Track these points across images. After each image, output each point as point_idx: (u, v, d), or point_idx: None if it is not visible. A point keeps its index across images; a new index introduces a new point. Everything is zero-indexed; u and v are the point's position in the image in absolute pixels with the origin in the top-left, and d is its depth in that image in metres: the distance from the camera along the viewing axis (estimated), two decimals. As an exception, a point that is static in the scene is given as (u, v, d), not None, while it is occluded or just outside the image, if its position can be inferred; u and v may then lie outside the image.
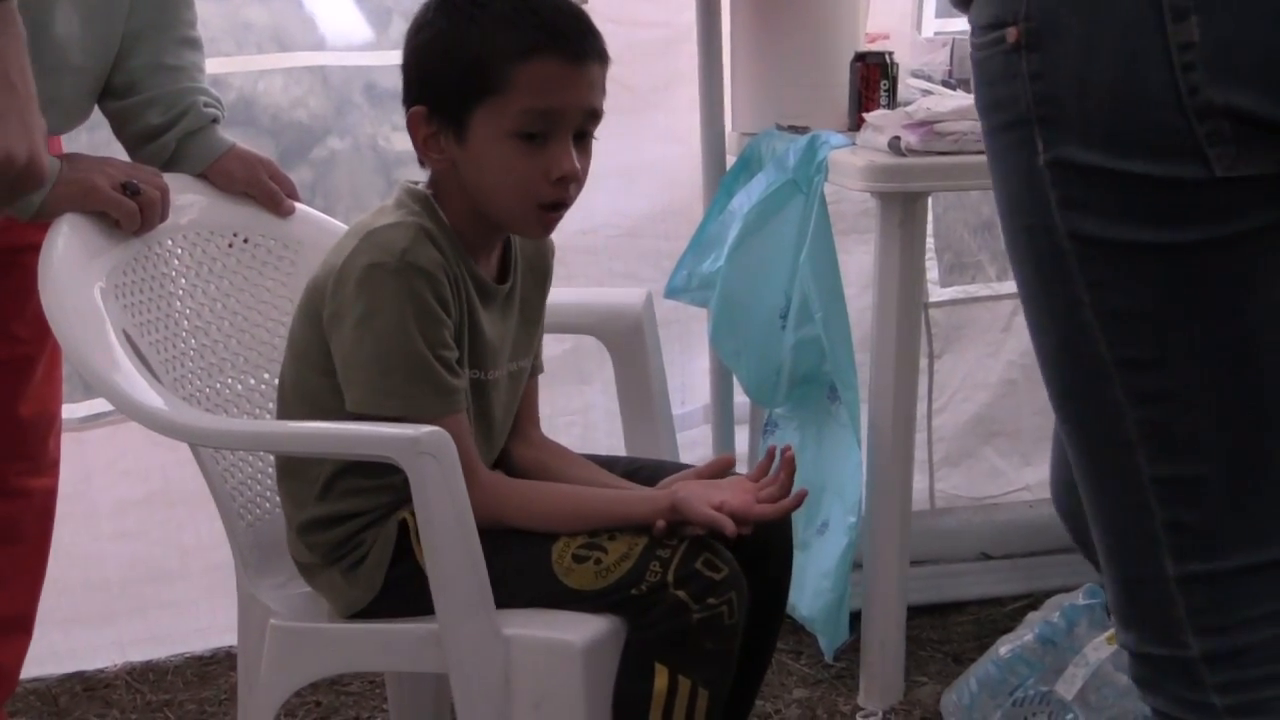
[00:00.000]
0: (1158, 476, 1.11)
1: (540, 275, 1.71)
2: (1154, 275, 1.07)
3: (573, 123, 1.54)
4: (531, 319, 1.71)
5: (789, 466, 1.60)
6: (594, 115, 1.56)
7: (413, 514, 1.53)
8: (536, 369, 1.76)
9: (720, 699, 1.54)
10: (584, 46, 1.54)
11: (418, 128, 1.57)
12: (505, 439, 1.72)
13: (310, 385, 1.59)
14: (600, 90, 1.56)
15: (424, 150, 1.58)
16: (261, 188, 1.84)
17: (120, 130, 1.82)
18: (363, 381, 1.53)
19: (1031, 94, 1.07)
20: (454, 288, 1.55)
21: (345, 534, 1.59)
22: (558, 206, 1.57)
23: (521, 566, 1.53)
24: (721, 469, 1.65)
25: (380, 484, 1.56)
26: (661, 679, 1.50)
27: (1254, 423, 1.09)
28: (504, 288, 1.64)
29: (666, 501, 1.54)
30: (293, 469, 1.63)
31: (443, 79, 1.54)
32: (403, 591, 1.56)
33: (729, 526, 1.51)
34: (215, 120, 1.81)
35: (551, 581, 1.53)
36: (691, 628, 1.50)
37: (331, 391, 1.56)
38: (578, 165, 1.55)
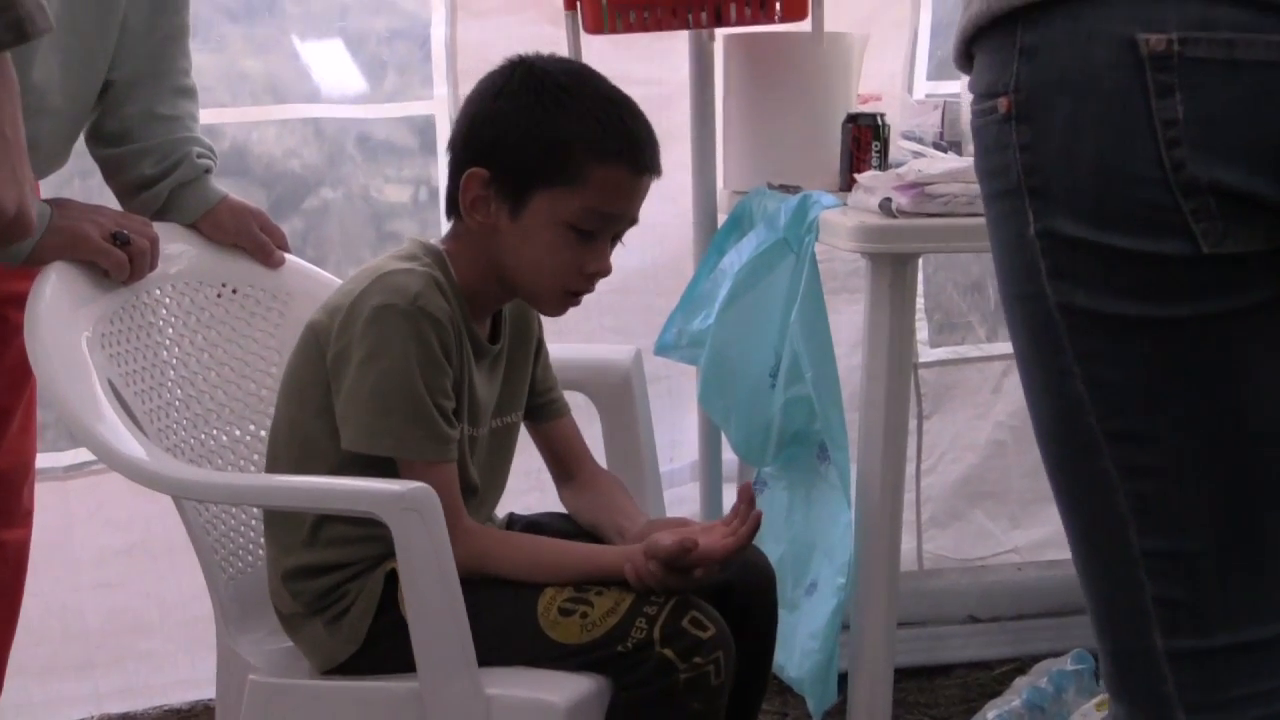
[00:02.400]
0: (1148, 550, 1.10)
1: (524, 328, 1.73)
2: (1142, 350, 1.06)
3: (619, 228, 1.61)
4: (517, 375, 1.71)
5: (745, 496, 1.59)
6: (634, 223, 1.62)
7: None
8: (560, 410, 1.78)
9: None
10: (653, 160, 1.61)
11: (472, 188, 1.58)
12: (498, 494, 1.72)
13: (304, 428, 1.59)
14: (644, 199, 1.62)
15: (469, 209, 1.59)
16: (252, 239, 1.84)
17: (111, 177, 1.82)
18: (359, 419, 1.53)
19: (1021, 165, 1.07)
20: (457, 341, 1.56)
21: (330, 584, 1.58)
22: (581, 294, 1.63)
23: (507, 621, 1.52)
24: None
25: (368, 534, 1.55)
26: None
27: (1245, 500, 1.09)
28: (495, 348, 1.66)
29: (638, 548, 1.54)
30: (279, 514, 1.62)
31: (517, 154, 1.56)
32: (385, 646, 1.54)
33: (696, 550, 1.50)
34: (208, 171, 1.81)
35: (537, 636, 1.52)
36: (678, 688, 1.48)
37: (326, 434, 1.56)
38: (611, 265, 1.61)
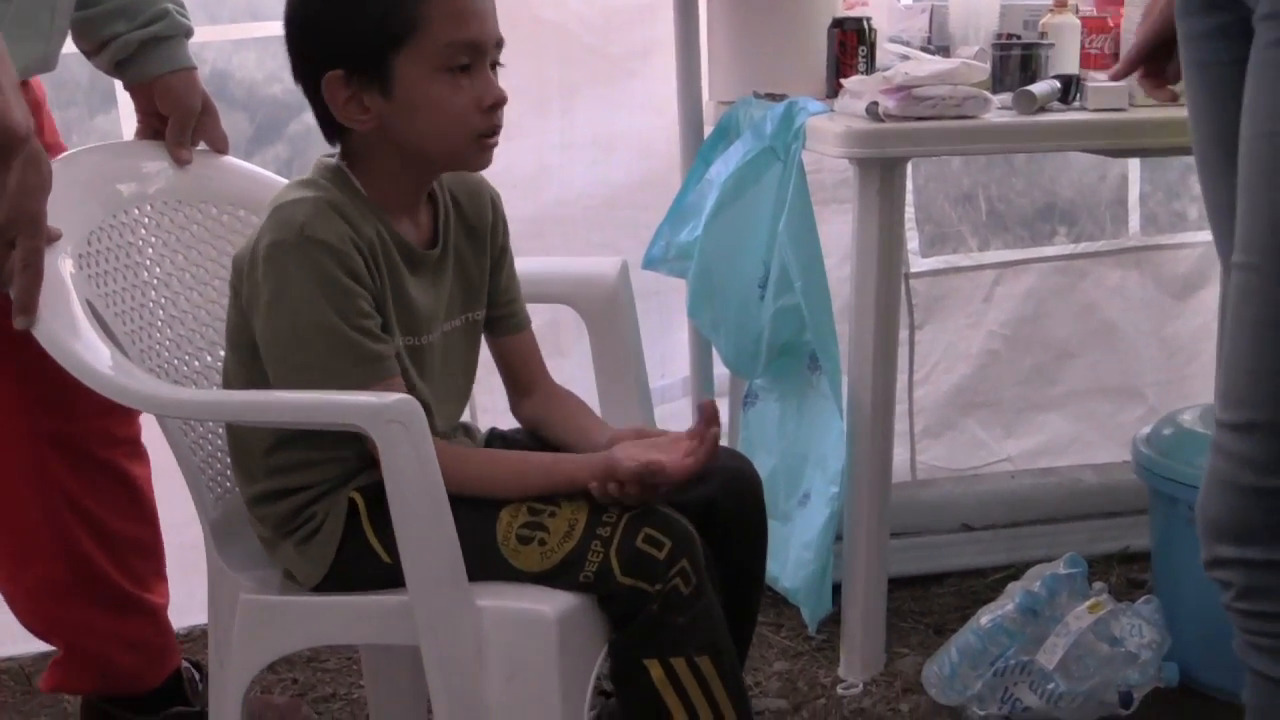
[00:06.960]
0: None
1: (479, 230, 1.68)
2: None
3: (489, 51, 1.55)
4: (471, 273, 1.67)
5: (707, 413, 1.56)
6: (501, 44, 1.57)
7: (360, 491, 1.52)
8: (519, 325, 1.74)
9: (724, 650, 1.52)
10: None
11: (336, 92, 1.53)
12: (464, 398, 1.70)
13: (248, 370, 1.57)
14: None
15: (346, 114, 1.54)
16: (181, 120, 1.75)
17: (81, 38, 1.74)
18: (282, 359, 1.51)
19: None
20: (369, 258, 1.52)
21: (293, 507, 1.57)
22: (493, 133, 1.56)
23: (467, 545, 1.49)
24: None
25: (328, 457, 1.54)
26: (656, 670, 1.49)
27: None
28: (433, 253, 1.62)
29: (602, 463, 1.52)
30: (238, 442, 1.61)
31: (354, 36, 1.51)
32: (352, 571, 1.54)
33: (661, 473, 1.49)
34: (188, 34, 1.75)
35: (502, 562, 1.51)
36: (654, 614, 1.48)
37: (261, 376, 1.54)
38: (504, 91, 1.55)
